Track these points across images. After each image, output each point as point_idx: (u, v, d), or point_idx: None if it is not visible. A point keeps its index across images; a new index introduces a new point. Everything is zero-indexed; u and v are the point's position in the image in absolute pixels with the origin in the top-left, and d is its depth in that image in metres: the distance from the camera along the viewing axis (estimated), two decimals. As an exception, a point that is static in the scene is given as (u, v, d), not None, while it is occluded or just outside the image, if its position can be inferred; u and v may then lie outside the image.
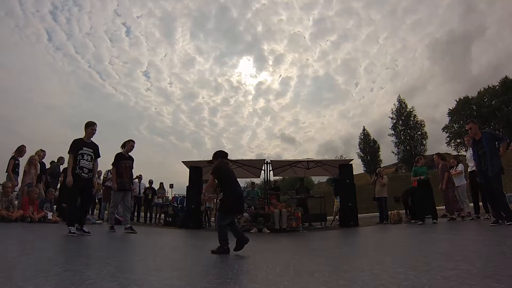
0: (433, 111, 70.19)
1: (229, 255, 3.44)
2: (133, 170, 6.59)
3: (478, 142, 5.54)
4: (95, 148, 5.49)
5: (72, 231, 4.85)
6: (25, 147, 7.84)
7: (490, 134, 5.54)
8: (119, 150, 6.49)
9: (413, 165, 8.16)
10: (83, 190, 5.29)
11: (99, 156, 5.60)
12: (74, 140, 5.31)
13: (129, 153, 6.50)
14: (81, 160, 5.21)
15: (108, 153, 6.83)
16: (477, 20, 62.48)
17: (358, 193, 9.82)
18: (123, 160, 6.36)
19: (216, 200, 9.43)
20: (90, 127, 5.42)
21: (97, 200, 10.61)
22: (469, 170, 7.23)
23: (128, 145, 6.47)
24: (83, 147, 5.29)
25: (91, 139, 5.50)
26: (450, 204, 7.72)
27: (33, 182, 7.69)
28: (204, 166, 9.54)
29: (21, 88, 63.56)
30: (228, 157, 4.12)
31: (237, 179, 3.99)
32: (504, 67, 59.11)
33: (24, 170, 7.70)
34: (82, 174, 5.21)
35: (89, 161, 5.32)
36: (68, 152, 5.24)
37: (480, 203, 7.19)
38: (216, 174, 3.79)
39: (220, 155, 3.98)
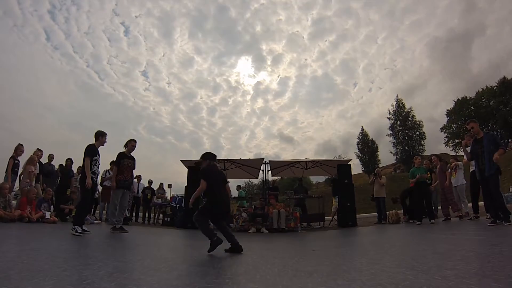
0: (433, 110, 70.65)
1: (228, 255, 3.44)
2: (134, 170, 6.65)
3: (478, 141, 5.57)
4: (100, 156, 5.81)
5: (78, 231, 4.95)
6: (22, 146, 7.79)
7: (492, 137, 5.57)
8: (117, 150, 6.56)
9: (412, 166, 8.18)
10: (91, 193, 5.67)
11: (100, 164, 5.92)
12: (90, 145, 5.60)
13: (131, 153, 6.56)
14: (93, 166, 5.55)
15: (106, 152, 6.83)
16: (478, 18, 62.67)
17: (357, 193, 9.84)
18: (125, 160, 6.42)
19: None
20: (104, 136, 5.81)
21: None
22: (470, 170, 7.22)
23: (129, 144, 6.53)
24: (97, 154, 5.67)
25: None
26: (452, 204, 7.75)
27: (30, 182, 7.65)
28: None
29: (19, 87, 63.41)
30: (216, 159, 4.08)
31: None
32: (505, 65, 59.04)
33: (23, 170, 7.67)
34: (94, 178, 5.59)
35: (97, 167, 5.72)
36: (85, 156, 5.45)
37: (481, 203, 7.19)
38: (205, 178, 3.71)
39: (209, 157, 3.92)
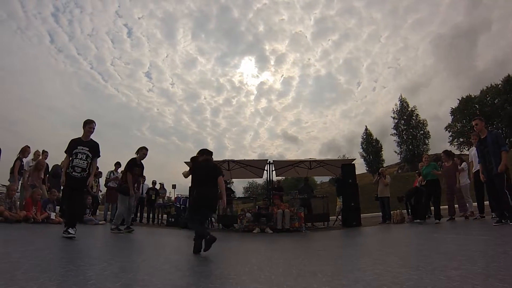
0: (437, 109, 69.92)
1: (232, 255, 3.45)
2: (140, 178, 6.79)
3: (483, 141, 5.51)
4: (92, 147, 5.22)
5: (70, 232, 4.64)
6: (29, 147, 7.88)
7: (495, 136, 5.49)
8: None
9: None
10: (74, 190, 5.06)
11: (99, 156, 5.35)
12: (71, 139, 5.18)
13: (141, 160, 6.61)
14: (74, 159, 5.02)
15: (110, 154, 6.90)
16: (483, 14, 61.78)
17: (361, 193, 9.79)
18: (135, 168, 6.47)
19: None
20: (88, 125, 5.22)
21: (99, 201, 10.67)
22: (473, 170, 7.13)
23: (141, 152, 6.56)
24: (78, 146, 5.09)
25: (90, 137, 5.27)
26: (461, 204, 7.65)
27: (38, 184, 7.72)
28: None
29: (23, 90, 64.12)
30: (212, 155, 4.41)
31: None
32: (510, 63, 58.14)
33: (29, 172, 7.73)
34: (73, 173, 4.98)
35: (83, 160, 5.08)
36: (65, 152, 5.15)
37: (486, 202, 7.11)
38: (191, 171, 4.32)
39: (205, 152, 4.29)
